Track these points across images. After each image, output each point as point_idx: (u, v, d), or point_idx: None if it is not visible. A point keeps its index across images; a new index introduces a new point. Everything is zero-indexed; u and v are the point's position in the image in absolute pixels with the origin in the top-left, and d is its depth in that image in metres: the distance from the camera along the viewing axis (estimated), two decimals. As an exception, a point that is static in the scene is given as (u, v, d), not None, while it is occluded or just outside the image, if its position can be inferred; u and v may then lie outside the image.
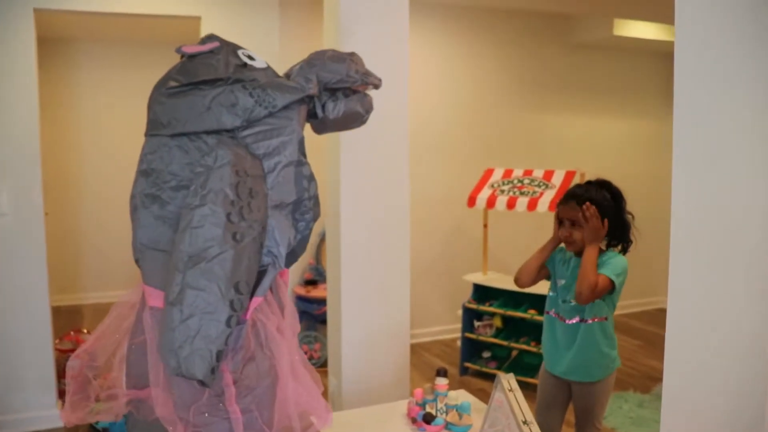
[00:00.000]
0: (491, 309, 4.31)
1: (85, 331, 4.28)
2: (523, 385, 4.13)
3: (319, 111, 1.54)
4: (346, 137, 2.77)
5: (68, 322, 5.51)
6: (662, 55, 6.23)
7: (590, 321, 2.40)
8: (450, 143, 5.25)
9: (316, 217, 1.53)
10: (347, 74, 1.52)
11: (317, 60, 1.51)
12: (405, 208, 2.92)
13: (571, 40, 5.69)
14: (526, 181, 4.34)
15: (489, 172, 4.60)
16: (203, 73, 1.37)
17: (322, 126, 1.61)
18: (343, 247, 2.80)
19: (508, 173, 4.49)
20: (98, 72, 6.40)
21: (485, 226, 4.61)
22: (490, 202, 4.32)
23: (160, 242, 1.37)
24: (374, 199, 2.84)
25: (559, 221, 2.46)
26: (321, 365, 4.56)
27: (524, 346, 4.19)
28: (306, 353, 4.54)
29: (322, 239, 4.73)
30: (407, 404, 2.47)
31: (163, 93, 1.38)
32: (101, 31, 6.06)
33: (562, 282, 2.49)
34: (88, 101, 6.40)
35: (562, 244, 2.54)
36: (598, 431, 2.51)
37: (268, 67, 1.51)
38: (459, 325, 5.09)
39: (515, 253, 5.64)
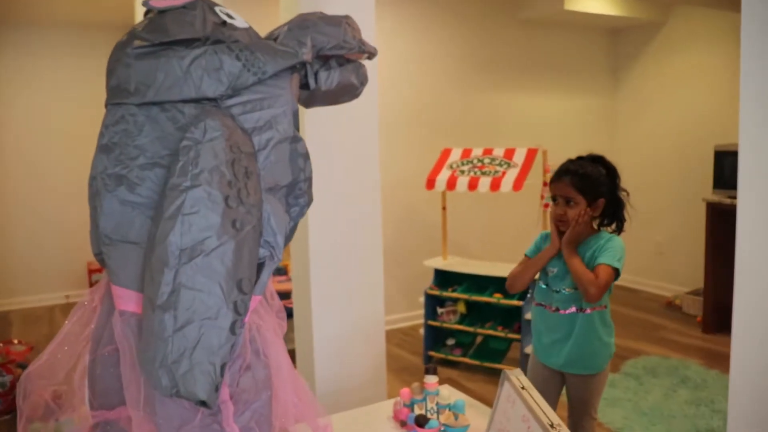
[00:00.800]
0: (455, 294, 4.14)
1: (16, 341, 3.87)
2: (489, 371, 4.07)
3: (311, 81, 1.34)
4: (310, 118, 2.52)
5: (-6, 330, 5.04)
6: (610, 30, 6.19)
7: (589, 311, 2.25)
8: (401, 126, 5.04)
9: (310, 201, 1.34)
10: (344, 39, 1.33)
11: (309, 22, 1.30)
12: (376, 195, 2.70)
13: (522, 16, 5.56)
14: (487, 161, 4.17)
15: (446, 153, 4.41)
16: (178, 31, 1.15)
17: (311, 98, 1.42)
18: (311, 239, 2.55)
19: (466, 153, 4.32)
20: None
21: (444, 208, 4.43)
22: (450, 184, 4.14)
23: (129, 233, 1.16)
24: (343, 187, 2.61)
25: (552, 198, 2.29)
26: (277, 362, 4.31)
27: (490, 332, 4.05)
28: (261, 351, 4.27)
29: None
30: (393, 405, 2.27)
31: (128, 54, 1.16)
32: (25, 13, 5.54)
33: (553, 271, 2.31)
34: (9, 87, 5.87)
35: (547, 230, 2.38)
36: (594, 420, 2.38)
37: (250, 27, 1.30)
38: (417, 312, 4.94)
39: (474, 236, 5.56)
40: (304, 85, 1.35)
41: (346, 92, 1.44)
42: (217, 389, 1.04)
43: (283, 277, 4.35)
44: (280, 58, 1.21)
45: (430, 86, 5.23)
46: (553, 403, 2.44)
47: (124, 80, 1.16)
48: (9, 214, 5.88)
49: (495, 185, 3.96)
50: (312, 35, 1.28)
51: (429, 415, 2.15)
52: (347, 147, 2.60)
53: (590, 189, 2.22)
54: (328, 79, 1.35)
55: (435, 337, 4.34)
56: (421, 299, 4.32)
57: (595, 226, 2.32)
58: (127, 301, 1.16)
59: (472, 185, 4.05)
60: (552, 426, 1.49)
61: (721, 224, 4.68)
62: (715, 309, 4.76)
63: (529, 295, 3.84)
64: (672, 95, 5.81)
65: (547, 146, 4.16)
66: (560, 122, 5.97)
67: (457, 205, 4.97)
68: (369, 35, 2.59)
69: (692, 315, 5.19)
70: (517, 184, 3.88)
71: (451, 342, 4.34)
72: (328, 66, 1.36)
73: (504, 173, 4.01)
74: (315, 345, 2.60)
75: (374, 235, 2.69)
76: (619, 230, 2.31)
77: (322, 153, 2.54)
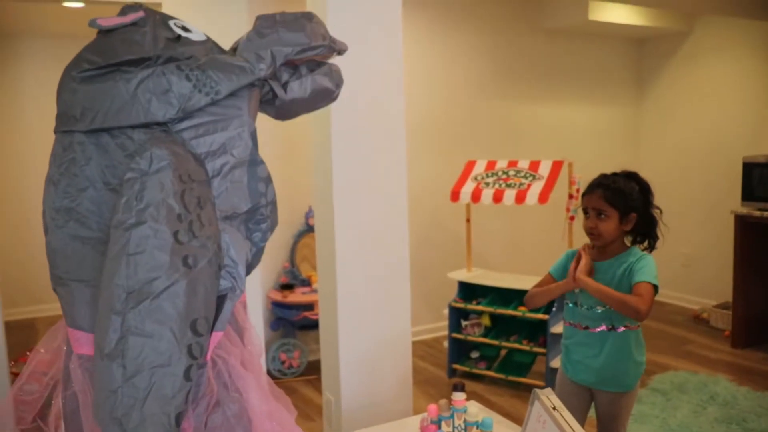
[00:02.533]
0: (480, 307, 4.11)
1: (42, 350, 3.90)
2: (514, 385, 4.03)
3: (280, 93, 1.24)
4: (337, 127, 2.51)
5: (21, 339, 5.10)
6: (635, 40, 6.14)
7: (621, 329, 2.22)
8: (425, 136, 5.03)
9: (273, 225, 1.27)
10: (310, 44, 1.22)
11: (267, 28, 1.20)
12: (403, 207, 2.68)
13: (546, 26, 5.53)
14: (512, 173, 4.15)
15: (471, 165, 4.40)
16: (125, 51, 1.08)
17: (284, 110, 1.31)
18: (337, 250, 2.55)
19: (491, 165, 4.30)
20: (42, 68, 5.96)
21: (468, 220, 4.41)
22: (475, 196, 4.12)
23: (81, 270, 1.10)
24: (370, 197, 2.60)
25: (584, 210, 2.27)
26: (300, 374, 4.31)
27: (516, 345, 4.01)
28: (284, 362, 4.27)
29: (297, 240, 4.46)
30: (420, 422, 2.25)
31: (74, 77, 1.10)
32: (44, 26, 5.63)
33: (579, 289, 2.29)
34: (31, 99, 5.95)
35: (574, 249, 2.36)
36: None
37: (208, 40, 1.22)
38: (440, 325, 4.91)
39: (499, 249, 5.52)
40: (271, 99, 1.25)
41: (323, 98, 1.33)
42: None
43: (306, 289, 4.36)
44: (235, 76, 1.12)
45: (453, 96, 5.21)
46: (582, 421, 2.41)
47: (70, 106, 1.09)
48: (33, 221, 5.96)
49: (520, 198, 3.94)
50: (272, 48, 1.17)
51: (457, 433, 2.14)
52: (374, 158, 2.59)
53: (622, 203, 2.20)
54: (301, 88, 1.26)
55: (459, 349, 4.31)
56: (445, 311, 4.29)
57: (627, 243, 2.29)
58: (84, 343, 1.10)
59: (497, 198, 4.03)
60: (586, 448, 1.46)
61: (750, 237, 4.61)
62: (745, 323, 4.68)
63: (554, 309, 3.80)
64: (698, 106, 5.75)
65: (571, 157, 4.12)
66: (584, 133, 5.93)
67: (482, 216, 4.95)
68: (396, 46, 2.60)
69: (720, 329, 5.11)
70: (543, 197, 3.85)
71: (475, 355, 4.30)
72: (298, 74, 1.26)
73: (529, 186, 3.98)
74: (341, 359, 2.59)
75: (401, 248, 2.68)
76: (651, 248, 2.28)
77: (348, 164, 2.54)
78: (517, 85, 5.51)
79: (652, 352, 4.58)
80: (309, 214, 4.47)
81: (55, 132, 1.14)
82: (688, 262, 5.84)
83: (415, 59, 4.95)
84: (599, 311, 2.23)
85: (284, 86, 1.25)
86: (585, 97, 5.93)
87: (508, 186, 4.05)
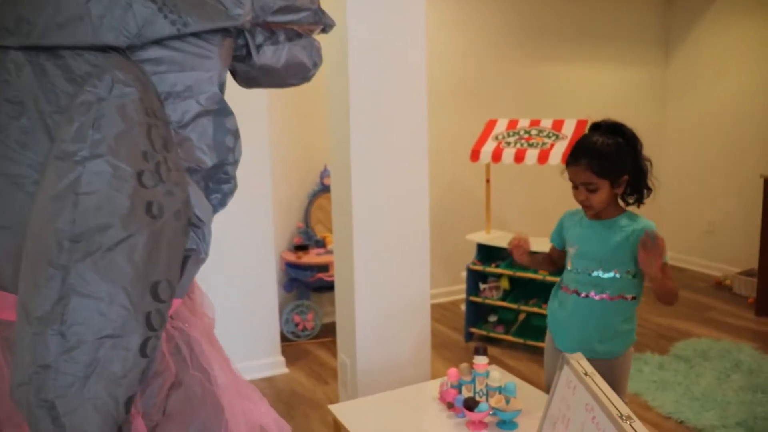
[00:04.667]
0: (498, 270, 4.01)
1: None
2: (532, 350, 3.95)
3: (253, 53, 1.07)
4: (355, 87, 2.39)
5: None
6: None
7: (616, 299, 2.08)
8: (445, 96, 4.87)
9: (235, 187, 1.10)
10: (294, 2, 1.06)
11: None
12: (423, 167, 2.57)
13: (569, -19, 5.32)
14: (534, 132, 4.01)
15: (491, 124, 4.25)
16: None
17: (251, 76, 1.14)
18: (354, 210, 2.44)
19: (512, 124, 4.15)
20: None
21: (488, 181, 4.29)
22: (496, 156, 3.99)
23: (5, 216, 0.90)
24: (389, 157, 2.48)
25: (573, 183, 2.08)
26: (314, 336, 4.25)
27: (534, 309, 3.92)
28: (298, 324, 4.21)
29: (312, 199, 4.36)
30: (439, 386, 2.17)
31: None
32: None
33: (574, 249, 2.14)
34: None
35: (573, 209, 2.23)
36: (625, 403, 2.23)
37: None
38: (458, 288, 4.82)
39: (518, 211, 5.39)
40: (243, 57, 1.08)
41: (296, 73, 1.16)
42: (120, 431, 0.81)
43: (320, 250, 4.27)
44: (208, 15, 0.93)
45: (474, 54, 5.04)
46: None
47: (2, 15, 0.89)
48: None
49: (543, 158, 3.80)
50: None
51: (478, 398, 2.05)
52: (393, 116, 2.47)
53: (612, 170, 2.00)
54: (275, 55, 1.09)
55: (477, 313, 4.23)
56: (463, 274, 4.20)
57: (622, 204, 2.13)
58: (4, 307, 0.90)
59: (519, 157, 3.89)
60: (622, 417, 1.37)
61: (779, 202, 4.46)
62: (771, 290, 4.55)
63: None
64: (727, 67, 5.52)
65: (595, 118, 3.95)
66: (608, 94, 5.73)
67: (502, 177, 4.81)
68: (419, 7, 2.46)
69: (743, 296, 4.98)
70: (566, 157, 3.70)
71: (493, 319, 4.22)
72: (275, 40, 1.10)
73: (552, 145, 3.84)
74: (357, 321, 2.51)
75: (420, 208, 2.58)
76: (639, 202, 2.11)
77: (366, 123, 2.42)
78: (540, 43, 5.32)
79: (673, 317, 4.49)
80: (324, 174, 4.35)
81: None
82: (712, 227, 5.69)
83: (437, 15, 4.77)
84: (591, 275, 2.09)
85: (257, 48, 1.08)
86: (611, 56, 5.72)
87: (531, 145, 3.91)
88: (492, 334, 4.11)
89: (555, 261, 2.35)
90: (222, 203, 1.08)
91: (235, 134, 1.05)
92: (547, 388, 2.25)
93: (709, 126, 5.68)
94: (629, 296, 2.09)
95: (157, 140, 0.86)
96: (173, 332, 1.02)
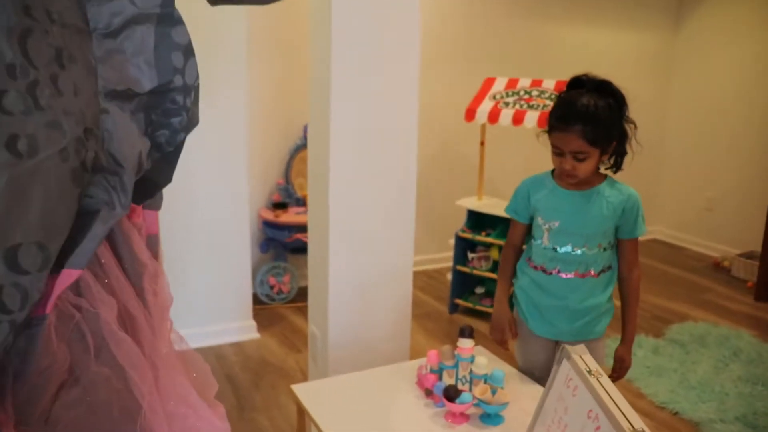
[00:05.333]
0: (489, 239, 3.75)
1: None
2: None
3: None
4: (340, 26, 2.08)
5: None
6: (677, -42, 5.56)
7: (598, 275, 1.88)
8: (440, 52, 4.55)
9: (192, 123, 0.89)
10: None
11: None
12: (412, 123, 2.28)
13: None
14: (535, 93, 3.71)
15: (489, 82, 3.95)
16: None
17: None
18: (332, 165, 2.16)
19: (512, 83, 3.85)
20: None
21: (482, 143, 4.00)
22: (493, 117, 3.69)
23: None
24: (375, 109, 2.19)
25: (555, 149, 1.80)
26: (289, 300, 3.99)
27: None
28: (273, 287, 3.95)
29: (294, 154, 4.06)
30: (417, 369, 1.92)
31: None
32: None
33: (555, 225, 1.86)
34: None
35: (537, 174, 1.98)
36: None
37: None
38: (444, 255, 4.58)
39: (512, 177, 5.04)
40: None
41: None
42: None
43: (301, 209, 4.00)
44: None
45: (475, 8, 4.70)
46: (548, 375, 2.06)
47: None
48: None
49: (543, 121, 3.50)
50: None
51: (460, 386, 1.80)
52: (382, 67, 2.17)
53: (605, 137, 1.74)
54: None
55: (463, 283, 3.98)
56: (451, 241, 3.94)
57: (604, 169, 1.88)
58: None
59: (518, 119, 3.60)
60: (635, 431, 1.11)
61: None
62: (772, 275, 4.33)
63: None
64: (739, 39, 5.20)
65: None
66: (612, 58, 5.40)
67: (497, 140, 4.51)
68: None
69: (742, 279, 4.76)
70: (570, 122, 3.42)
71: (480, 290, 3.98)
72: None
73: (555, 108, 3.54)
74: (330, 289, 2.24)
75: (407, 168, 2.29)
76: (617, 167, 1.86)
77: (352, 76, 2.12)
78: (543, 2, 4.97)
79: (668, 298, 4.28)
80: (308, 128, 4.04)
81: None
82: (712, 205, 5.44)
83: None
84: (575, 253, 1.85)
85: None
86: (619, 19, 5.38)
87: (531, 107, 3.62)
88: (478, 307, 3.87)
89: (518, 248, 2.07)
90: (172, 142, 0.87)
91: (186, 51, 0.84)
92: (527, 376, 2.01)
93: (715, 98, 5.38)
94: (609, 267, 1.89)
95: (40, 51, 0.65)
96: (73, 312, 0.77)
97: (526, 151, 4.98)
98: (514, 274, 2.07)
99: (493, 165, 4.56)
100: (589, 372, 1.31)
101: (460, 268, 3.90)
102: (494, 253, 3.85)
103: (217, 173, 3.24)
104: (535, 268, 1.94)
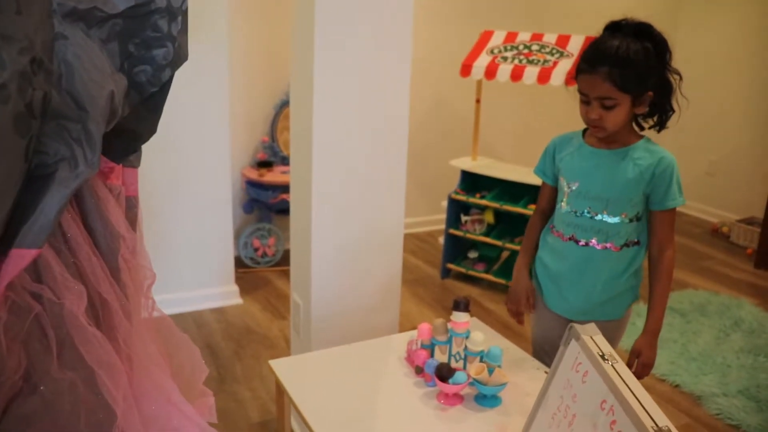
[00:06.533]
0: (483, 202, 3.58)
1: None
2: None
3: None
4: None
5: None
6: None
7: (620, 248, 1.68)
8: (431, 1, 4.30)
9: (178, 59, 0.72)
10: None
11: None
12: (404, 76, 2.07)
13: None
14: (535, 48, 3.50)
15: (486, 36, 3.73)
16: None
17: None
18: (315, 118, 1.96)
19: (511, 37, 3.64)
20: None
21: (478, 101, 3.80)
22: (490, 72, 3.49)
23: None
24: (362, 62, 1.98)
25: (582, 96, 1.60)
26: (274, 264, 3.83)
27: (520, 247, 3.50)
28: (257, 249, 3.78)
29: (279, 111, 3.85)
30: (407, 344, 1.76)
31: None
32: None
33: (574, 186, 1.69)
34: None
35: (564, 133, 1.78)
36: None
37: None
38: (437, 218, 4.42)
39: (510, 136, 4.90)
40: None
41: None
42: None
43: (286, 168, 3.80)
44: None
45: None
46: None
47: None
48: None
49: (544, 77, 3.31)
50: None
51: (454, 363, 1.65)
52: (370, 16, 1.95)
53: (636, 83, 1.55)
54: None
55: (456, 247, 3.82)
56: (444, 203, 3.77)
57: (639, 127, 1.69)
58: None
59: (516, 75, 3.40)
60: (658, 430, 0.96)
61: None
62: (773, 241, 4.19)
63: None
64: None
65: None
66: (618, 11, 5.16)
67: (494, 97, 4.31)
68: None
69: (741, 246, 4.63)
70: (571, 78, 3.22)
71: (473, 255, 3.82)
72: None
73: (555, 63, 3.35)
74: (313, 253, 2.07)
75: (398, 127, 2.10)
76: (660, 126, 1.68)
77: (338, 25, 1.91)
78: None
79: (670, 265, 4.12)
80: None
81: None
82: (713, 170, 5.28)
83: None
84: (595, 218, 1.67)
85: None
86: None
87: (530, 62, 3.41)
88: (471, 272, 3.72)
89: (546, 214, 1.87)
90: (154, 81, 0.70)
91: None
92: (536, 356, 1.85)
93: (722, 55, 5.17)
94: (635, 242, 1.70)
95: None
96: (31, 304, 0.63)
97: (525, 110, 4.81)
98: (538, 242, 1.88)
99: (490, 123, 4.36)
100: (603, 356, 1.15)
101: (453, 231, 3.73)
102: (489, 217, 3.69)
103: (197, 130, 3.03)
104: (553, 233, 1.77)
